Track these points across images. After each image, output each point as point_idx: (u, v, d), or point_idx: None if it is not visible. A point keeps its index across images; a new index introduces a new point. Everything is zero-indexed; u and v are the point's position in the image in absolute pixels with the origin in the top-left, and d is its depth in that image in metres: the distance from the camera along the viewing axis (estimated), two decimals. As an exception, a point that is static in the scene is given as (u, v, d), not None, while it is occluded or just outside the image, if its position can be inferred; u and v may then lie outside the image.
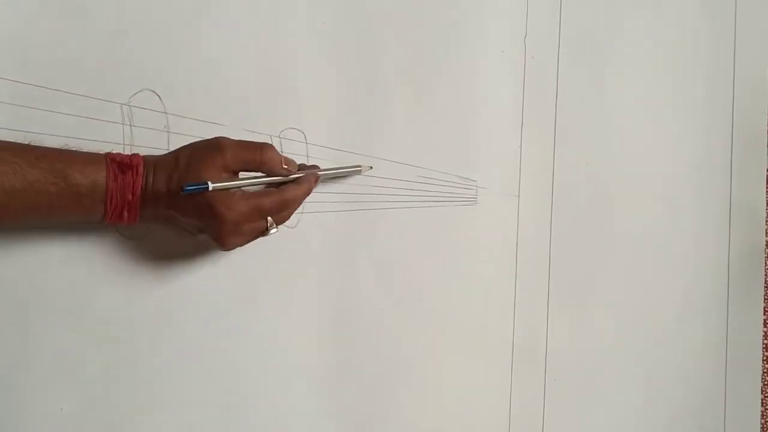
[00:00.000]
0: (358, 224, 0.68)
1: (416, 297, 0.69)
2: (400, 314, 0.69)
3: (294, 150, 0.66)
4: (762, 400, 0.76)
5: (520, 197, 0.72)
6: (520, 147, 0.73)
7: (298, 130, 0.66)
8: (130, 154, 0.56)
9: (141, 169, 0.54)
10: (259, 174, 0.58)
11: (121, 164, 0.54)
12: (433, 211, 0.70)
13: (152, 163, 0.56)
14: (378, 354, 0.68)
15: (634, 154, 0.75)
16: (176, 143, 0.63)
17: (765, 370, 0.76)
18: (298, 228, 0.66)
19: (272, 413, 0.65)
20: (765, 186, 0.77)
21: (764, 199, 0.76)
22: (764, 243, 0.76)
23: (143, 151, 0.63)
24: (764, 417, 0.76)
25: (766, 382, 0.76)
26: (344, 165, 0.67)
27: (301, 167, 0.62)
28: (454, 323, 0.70)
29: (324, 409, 0.66)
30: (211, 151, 0.55)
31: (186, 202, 0.54)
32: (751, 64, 0.77)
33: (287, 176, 0.58)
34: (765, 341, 0.77)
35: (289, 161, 0.59)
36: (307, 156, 0.66)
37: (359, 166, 0.67)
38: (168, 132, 0.63)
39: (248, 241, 0.59)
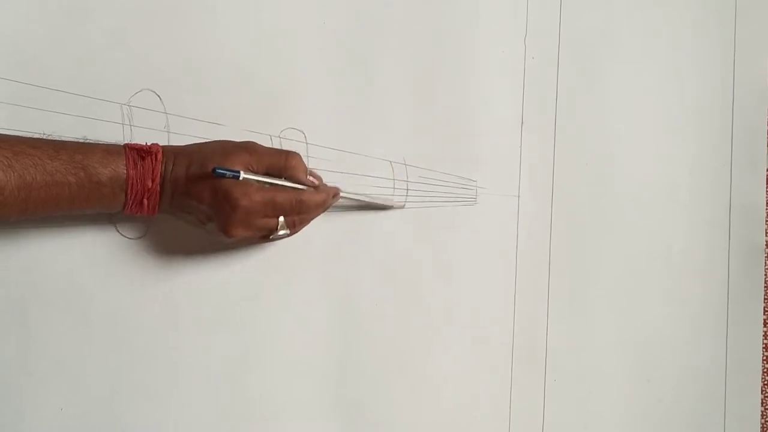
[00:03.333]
0: (359, 224, 0.68)
1: (417, 297, 0.69)
2: (400, 314, 0.69)
3: (294, 150, 0.66)
4: (762, 400, 0.76)
5: (519, 197, 0.72)
6: (520, 147, 0.73)
7: (298, 130, 0.66)
8: (151, 144, 0.56)
9: (160, 156, 0.55)
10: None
11: (140, 151, 0.55)
12: (433, 211, 0.70)
13: (172, 151, 0.56)
14: (379, 353, 0.68)
15: (633, 154, 0.75)
16: (176, 143, 0.63)
17: (765, 370, 0.76)
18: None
19: (274, 412, 0.65)
20: (765, 185, 0.76)
21: (764, 199, 0.76)
22: (764, 242, 0.76)
23: (143, 151, 0.63)
24: (764, 417, 0.76)
25: (766, 382, 0.76)
26: (375, 196, 0.67)
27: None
28: (454, 323, 0.70)
29: (326, 408, 0.66)
30: (238, 149, 0.57)
31: (204, 188, 0.55)
32: (751, 63, 0.77)
33: (310, 186, 0.60)
34: (765, 341, 0.77)
35: (314, 174, 0.61)
36: (307, 156, 0.66)
37: (390, 203, 0.68)
38: (168, 132, 0.63)
39: (254, 238, 0.59)
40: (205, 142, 0.58)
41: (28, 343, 0.59)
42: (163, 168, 0.55)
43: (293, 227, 0.60)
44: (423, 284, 0.70)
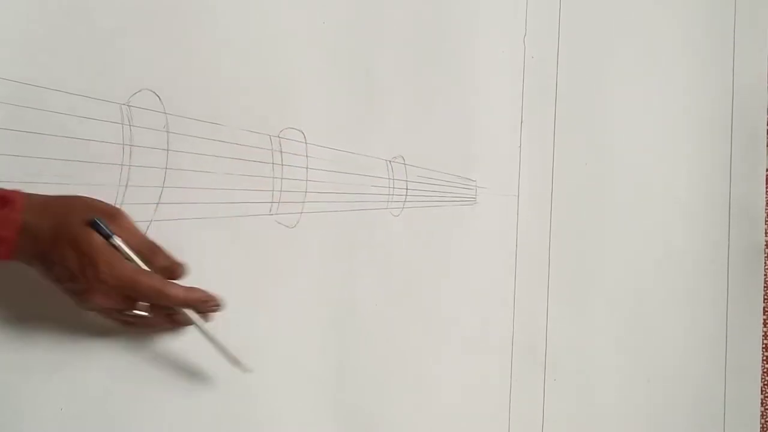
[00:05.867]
0: (357, 224, 0.68)
1: (416, 297, 0.69)
2: (399, 314, 0.69)
3: (293, 150, 0.66)
4: (762, 400, 0.76)
5: (519, 197, 0.72)
6: (520, 147, 0.72)
7: (298, 130, 0.66)
8: (12, 190, 0.53)
9: (19, 205, 0.53)
10: None
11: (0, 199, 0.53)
12: (433, 210, 0.70)
13: (39, 202, 0.54)
14: (377, 354, 0.68)
15: (633, 153, 0.75)
16: (175, 143, 0.63)
17: (764, 370, 0.76)
18: (297, 227, 0.66)
19: (271, 412, 0.65)
20: (764, 185, 0.76)
21: (763, 198, 0.76)
22: (763, 242, 0.76)
23: (143, 151, 0.63)
24: (764, 417, 0.76)
25: (765, 382, 0.76)
26: (225, 348, 0.59)
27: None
28: (453, 323, 0.70)
29: (323, 408, 0.66)
30: (110, 216, 0.55)
31: (68, 248, 0.53)
32: (750, 62, 0.77)
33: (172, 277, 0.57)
34: (764, 341, 0.77)
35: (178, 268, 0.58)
36: (307, 156, 0.66)
37: (238, 363, 0.59)
38: (167, 132, 0.63)
39: (109, 313, 0.57)
40: (72, 197, 0.55)
41: (26, 342, 0.59)
42: (24, 218, 0.53)
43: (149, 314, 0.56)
44: (422, 284, 0.69)
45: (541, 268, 0.72)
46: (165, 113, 0.63)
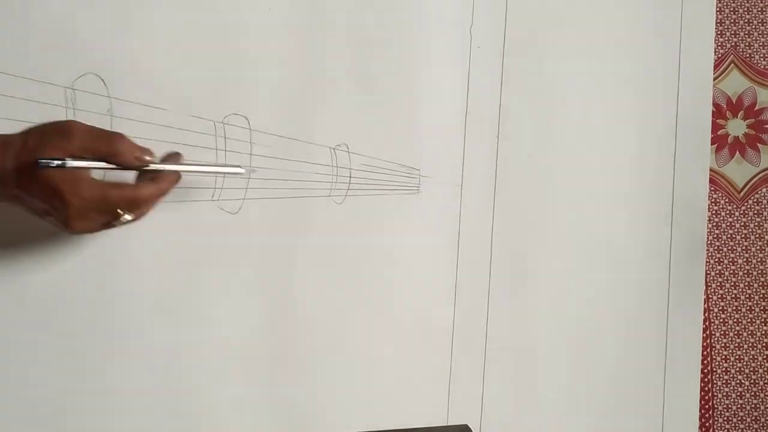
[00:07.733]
0: (300, 211, 0.68)
1: (357, 284, 0.69)
2: (340, 301, 0.69)
3: (237, 136, 0.66)
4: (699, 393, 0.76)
5: (462, 187, 0.72)
6: (464, 137, 0.72)
7: (242, 116, 0.67)
8: None
9: None
10: None
11: None
12: (376, 199, 0.70)
13: (0, 141, 0.53)
14: (317, 341, 0.68)
15: (577, 145, 0.75)
16: (119, 127, 0.63)
17: (703, 363, 0.77)
18: (239, 214, 0.66)
19: (208, 398, 0.65)
20: (707, 179, 0.77)
21: (706, 192, 0.76)
22: (705, 235, 0.76)
23: (86, 135, 0.63)
24: (702, 406, 0.77)
25: (703, 374, 0.77)
26: (218, 164, 0.63)
27: (170, 157, 0.60)
28: (394, 311, 0.70)
29: (261, 395, 0.67)
30: (59, 135, 0.53)
31: (32, 183, 0.52)
32: (696, 57, 0.77)
33: (141, 167, 0.56)
34: (704, 334, 0.77)
35: (145, 150, 0.57)
36: (251, 142, 0.67)
37: (238, 167, 0.62)
38: (111, 116, 0.63)
39: (99, 229, 0.56)
40: (31, 129, 0.54)
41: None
42: None
43: (137, 212, 0.57)
44: (364, 272, 0.70)
45: (482, 257, 0.73)
46: (109, 97, 0.63)
